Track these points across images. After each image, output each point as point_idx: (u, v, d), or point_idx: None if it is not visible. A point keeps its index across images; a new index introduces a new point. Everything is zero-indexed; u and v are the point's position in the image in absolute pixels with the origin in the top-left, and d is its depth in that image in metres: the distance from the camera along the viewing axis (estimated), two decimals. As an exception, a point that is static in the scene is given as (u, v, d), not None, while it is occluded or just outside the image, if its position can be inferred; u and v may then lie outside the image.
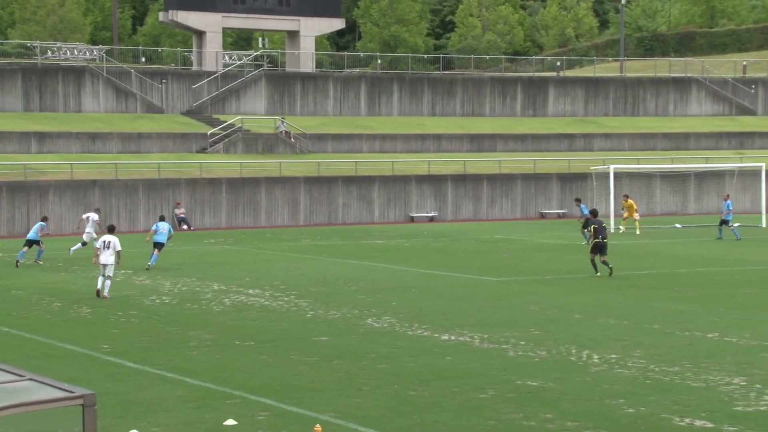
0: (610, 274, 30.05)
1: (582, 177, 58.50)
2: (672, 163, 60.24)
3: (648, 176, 59.29)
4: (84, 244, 35.69)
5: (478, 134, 63.87)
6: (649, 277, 30.54)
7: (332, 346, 19.32)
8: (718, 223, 43.81)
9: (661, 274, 31.05)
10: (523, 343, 19.44)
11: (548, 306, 24.38)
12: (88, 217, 36.30)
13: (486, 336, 20.16)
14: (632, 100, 70.41)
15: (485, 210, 57.10)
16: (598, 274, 30.04)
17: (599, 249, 30.22)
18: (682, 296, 26.19)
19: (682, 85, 71.55)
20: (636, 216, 46.43)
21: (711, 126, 69.23)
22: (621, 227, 46.89)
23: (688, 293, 26.77)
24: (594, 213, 32.90)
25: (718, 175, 60.51)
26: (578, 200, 46.99)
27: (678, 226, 50.31)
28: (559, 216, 58.25)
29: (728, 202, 44.35)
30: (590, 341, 19.57)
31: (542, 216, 58.31)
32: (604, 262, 30.25)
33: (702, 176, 60.23)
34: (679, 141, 67.10)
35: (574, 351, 18.59)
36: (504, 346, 19.11)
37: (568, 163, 60.38)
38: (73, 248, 35.74)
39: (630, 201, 47.11)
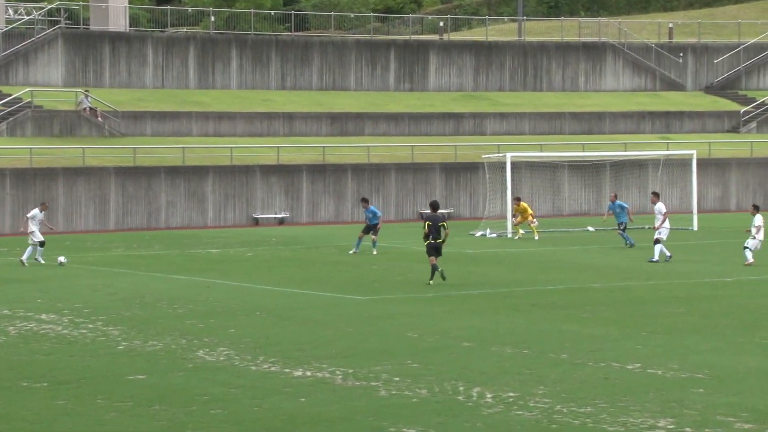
0: (443, 278, 31.89)
1: (471, 168, 59.33)
2: (583, 151, 61.63)
3: (553, 167, 60.46)
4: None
5: (341, 113, 64.09)
6: (556, 293, 31.09)
7: (152, 386, 19.07)
8: (620, 228, 44.61)
9: (570, 290, 31.66)
10: (397, 379, 19.52)
11: (430, 331, 24.55)
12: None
13: (351, 371, 20.19)
14: (533, 71, 71.76)
15: (350, 210, 57.31)
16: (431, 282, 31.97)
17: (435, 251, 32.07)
18: (596, 317, 26.72)
19: (594, 52, 73.24)
20: (533, 221, 47.27)
21: (630, 104, 71.09)
22: (516, 233, 47.70)
23: (603, 313, 27.33)
24: (435, 206, 33.64)
25: (639, 166, 62.17)
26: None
27: (591, 229, 51.44)
28: (444, 217, 58.84)
29: (617, 202, 45.17)
30: (482, 376, 19.79)
31: (422, 217, 58.76)
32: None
33: (620, 167, 61.74)
34: (592, 123, 68.73)
35: (461, 388, 18.76)
36: (374, 384, 19.16)
37: (454, 150, 61.11)
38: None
39: (523, 204, 47.93)
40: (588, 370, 20.49)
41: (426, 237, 32.20)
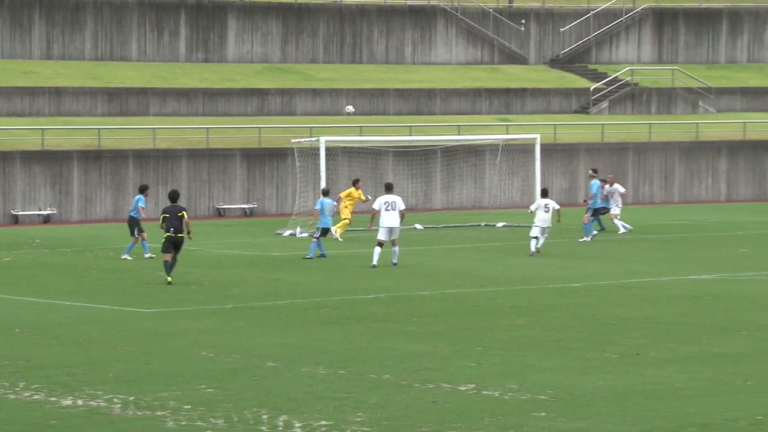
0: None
1: (279, 154, 59.42)
2: (410, 134, 62.20)
3: (376, 153, 60.80)
4: None
5: (120, 89, 63.47)
6: (377, 303, 31.39)
7: None
8: (590, 214, 46.96)
9: (393, 299, 31.99)
10: (188, 407, 19.48)
11: (228, 350, 24.54)
12: None
13: (132, 398, 20.07)
14: (351, 38, 72.06)
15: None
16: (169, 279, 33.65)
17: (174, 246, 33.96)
18: (423, 331, 27.05)
19: (423, 17, 73.82)
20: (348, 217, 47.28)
21: (465, 79, 71.91)
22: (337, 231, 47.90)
23: (432, 327, 27.68)
24: (173, 197, 35.43)
25: (475, 152, 63.04)
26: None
27: (418, 227, 51.93)
28: (246, 213, 58.78)
29: (595, 182, 48.52)
30: (290, 402, 19.88)
31: (220, 213, 58.63)
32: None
33: (453, 153, 62.48)
34: (420, 101, 69.37)
35: (265, 417, 18.83)
36: (160, 413, 19.09)
37: (258, 133, 61.04)
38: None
39: (359, 192, 48.07)
40: (414, 392, 20.75)
41: (165, 230, 33.90)
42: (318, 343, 25.42)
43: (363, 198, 48.16)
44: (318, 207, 42.12)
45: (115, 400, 20.03)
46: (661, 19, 78.96)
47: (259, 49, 69.83)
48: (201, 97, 64.75)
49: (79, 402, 19.96)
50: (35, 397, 20.37)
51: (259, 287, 33.70)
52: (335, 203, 44.10)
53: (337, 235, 46.10)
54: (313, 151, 52.47)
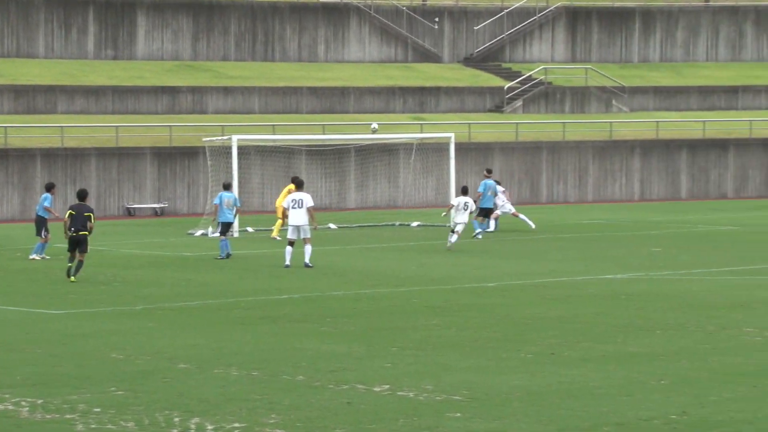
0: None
1: (190, 153, 59.22)
2: (323, 133, 62.20)
3: (289, 152, 60.76)
4: None
5: (27, 86, 63.00)
6: (290, 303, 31.37)
7: None
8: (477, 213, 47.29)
9: (307, 299, 31.98)
10: (98, 410, 19.35)
11: (139, 351, 24.41)
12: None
13: (40, 401, 19.91)
14: (263, 36, 71.98)
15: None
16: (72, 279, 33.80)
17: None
18: (338, 331, 27.06)
19: (336, 14, 73.87)
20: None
21: (378, 77, 72.05)
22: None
23: (346, 327, 27.72)
24: (81, 195, 35.52)
25: (389, 151, 63.20)
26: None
27: (332, 226, 51.97)
28: (157, 213, 58.50)
29: (486, 181, 49.24)
30: (202, 404, 19.80)
31: (129, 213, 58.31)
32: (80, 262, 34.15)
33: (367, 152, 62.55)
34: (334, 99, 69.44)
35: (177, 420, 18.74)
36: (69, 416, 18.95)
37: (169, 131, 60.80)
38: None
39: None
40: (328, 393, 20.74)
41: (68, 229, 33.93)
42: (230, 345, 25.35)
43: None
44: (216, 201, 41.55)
45: (23, 403, 19.85)
46: (575, 18, 79.49)
47: (170, 47, 69.51)
48: (110, 95, 64.37)
49: (-13, 405, 19.77)
50: (-60, 401, 20.14)
51: (171, 288, 33.55)
52: (237, 198, 43.40)
53: (274, 234, 46.19)
54: (225, 150, 52.25)
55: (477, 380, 21.70)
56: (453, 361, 23.74)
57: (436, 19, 75.95)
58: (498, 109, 73.27)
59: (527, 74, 74.64)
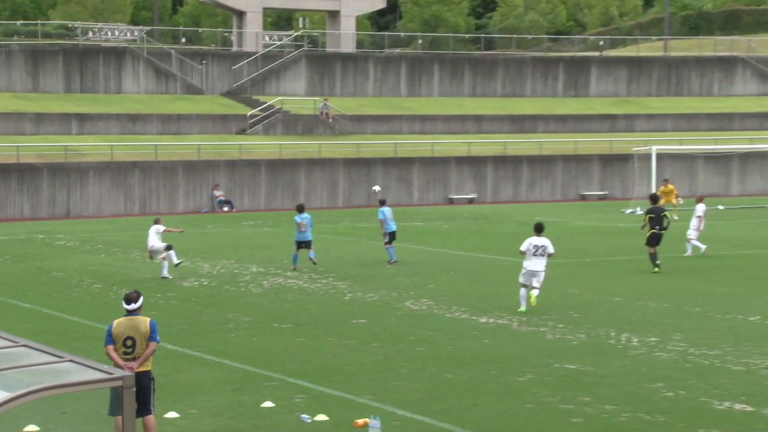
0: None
1: (623, 158, 58.14)
2: (715, 144, 59.69)
3: (691, 158, 58.78)
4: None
5: (519, 115, 63.62)
6: (691, 259, 30.30)
7: (370, 328, 19.43)
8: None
9: (703, 257, 30.75)
10: (561, 326, 19.42)
11: (587, 289, 24.32)
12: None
13: (524, 319, 20.16)
14: (676, 80, 69.76)
15: (525, 192, 56.91)
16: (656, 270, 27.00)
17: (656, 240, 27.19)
18: (723, 279, 26.03)
19: (727, 64, 70.76)
20: (675, 201, 44.17)
21: (756, 106, 68.47)
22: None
23: (729, 276, 26.60)
24: (654, 198, 28.91)
25: (762, 156, 59.89)
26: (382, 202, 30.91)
27: (721, 207, 49.86)
28: (600, 198, 57.94)
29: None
30: (630, 324, 19.53)
31: (583, 198, 58.02)
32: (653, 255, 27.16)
33: (746, 157, 59.62)
34: (723, 122, 66.45)
35: (613, 334, 18.56)
36: (542, 329, 19.11)
37: (609, 144, 60.00)
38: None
39: (670, 186, 45.38)
40: (716, 321, 20.02)
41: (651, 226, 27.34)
42: (648, 286, 24.75)
43: (675, 192, 44.84)
44: (381, 216, 29.84)
45: (513, 320, 20.12)
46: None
47: (612, 88, 68.62)
48: (572, 121, 64.04)
49: (491, 320, 20.14)
50: (463, 316, 20.65)
51: (607, 248, 32.99)
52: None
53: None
54: (647, 157, 50.95)
55: (825, 316, 20.34)
56: (807, 302, 22.33)
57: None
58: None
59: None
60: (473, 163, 56.54)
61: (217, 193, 50.62)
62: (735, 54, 71.70)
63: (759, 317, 20.26)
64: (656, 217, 27.59)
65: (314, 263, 28.11)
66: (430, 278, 26.18)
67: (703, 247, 30.61)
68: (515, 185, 57.08)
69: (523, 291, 20.97)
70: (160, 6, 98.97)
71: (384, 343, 17.90)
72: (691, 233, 30.79)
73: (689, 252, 30.67)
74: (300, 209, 28.77)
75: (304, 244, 28.33)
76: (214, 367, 16.17)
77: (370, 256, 30.73)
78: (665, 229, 27.59)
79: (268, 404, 13.70)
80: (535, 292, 20.52)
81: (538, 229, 21.27)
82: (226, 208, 50.02)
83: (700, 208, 31.15)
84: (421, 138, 59.06)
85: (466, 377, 15.34)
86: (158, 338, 11.62)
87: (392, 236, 29.57)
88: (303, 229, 28.33)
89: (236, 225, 42.48)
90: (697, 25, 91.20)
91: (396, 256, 29.33)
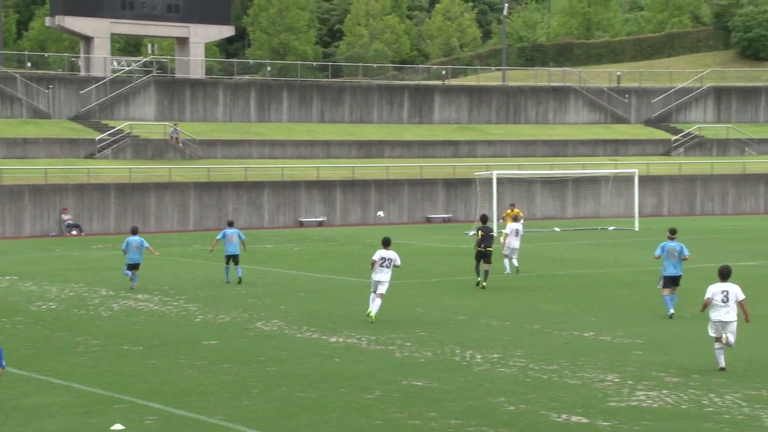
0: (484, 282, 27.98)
1: (466, 182, 59.25)
2: (551, 169, 61.50)
3: (529, 182, 60.33)
4: None
5: (366, 140, 64.09)
6: (530, 278, 31.05)
7: (221, 350, 19.16)
8: None
9: (540, 276, 31.59)
10: (409, 344, 19.58)
11: (434, 308, 24.59)
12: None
13: (374, 338, 20.25)
14: (514, 108, 71.60)
15: (373, 215, 57.32)
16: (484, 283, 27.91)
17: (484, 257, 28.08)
18: (560, 297, 26.73)
19: (560, 94, 73.05)
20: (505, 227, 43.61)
21: (588, 133, 70.84)
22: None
23: (566, 294, 27.33)
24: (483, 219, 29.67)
25: (594, 181, 62.02)
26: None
27: (557, 229, 51.35)
28: (445, 220, 58.88)
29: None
30: (473, 342, 19.84)
31: (428, 220, 58.83)
32: (486, 272, 28.10)
33: (579, 182, 61.59)
34: (558, 148, 68.50)
35: (458, 351, 18.82)
36: (391, 348, 19.22)
37: (453, 169, 61.05)
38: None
39: (516, 210, 45.37)
40: (554, 337, 20.52)
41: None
42: (490, 304, 25.14)
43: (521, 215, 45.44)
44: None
45: (363, 339, 20.14)
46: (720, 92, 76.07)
47: (454, 115, 69.80)
48: (417, 146, 64.80)
49: (341, 340, 20.10)
50: (313, 336, 20.51)
51: (453, 268, 33.43)
52: None
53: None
54: (488, 181, 51.92)
55: (651, 330, 21.12)
56: (636, 317, 23.14)
57: (626, 96, 74.17)
58: (667, 153, 70.79)
59: (687, 130, 71.83)
60: (322, 186, 56.63)
61: (65, 216, 49.15)
62: (567, 84, 74.10)
63: (593, 333, 20.90)
64: (485, 236, 28.19)
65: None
66: (280, 299, 26.05)
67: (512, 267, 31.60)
68: (363, 208, 57.44)
69: (372, 296, 22.45)
70: (4, 30, 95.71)
71: (235, 364, 17.67)
72: (508, 251, 31.66)
73: (508, 270, 31.52)
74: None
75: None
76: (63, 391, 15.63)
77: (221, 278, 30.33)
78: (490, 247, 28.03)
79: (117, 427, 13.31)
80: (374, 308, 21.96)
81: (385, 243, 22.65)
82: (74, 232, 48.61)
83: (512, 227, 31.94)
84: (272, 162, 58.80)
85: (316, 395, 15.29)
86: (3, 363, 11.20)
87: (234, 259, 29.56)
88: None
89: (85, 249, 41.30)
90: (533, 56, 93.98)
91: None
